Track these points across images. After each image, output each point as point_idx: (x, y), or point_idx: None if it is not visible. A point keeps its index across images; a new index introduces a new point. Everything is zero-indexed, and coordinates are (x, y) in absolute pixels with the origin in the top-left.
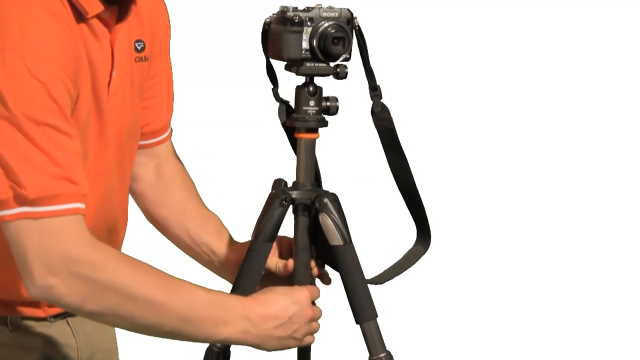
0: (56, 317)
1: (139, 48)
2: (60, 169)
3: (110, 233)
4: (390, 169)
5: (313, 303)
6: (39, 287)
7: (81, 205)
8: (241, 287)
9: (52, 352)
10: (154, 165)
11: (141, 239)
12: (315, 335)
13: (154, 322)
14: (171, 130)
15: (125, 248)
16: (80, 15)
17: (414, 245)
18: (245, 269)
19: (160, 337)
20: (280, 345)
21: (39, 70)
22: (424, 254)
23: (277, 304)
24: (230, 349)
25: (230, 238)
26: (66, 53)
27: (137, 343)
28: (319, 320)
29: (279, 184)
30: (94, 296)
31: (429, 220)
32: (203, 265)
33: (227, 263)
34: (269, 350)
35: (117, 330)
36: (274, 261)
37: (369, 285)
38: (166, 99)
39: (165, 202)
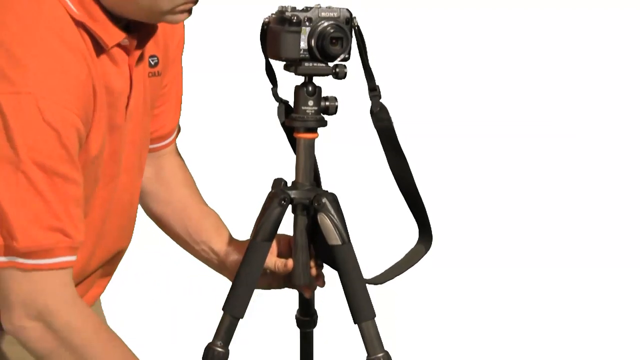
0: None
1: (152, 63)
2: (57, 220)
3: (119, 251)
4: (390, 168)
5: None
6: (14, 325)
7: (71, 258)
8: (240, 286)
9: None
10: (155, 162)
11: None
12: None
13: None
14: (179, 130)
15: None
16: (99, 46)
17: (415, 245)
18: (245, 268)
19: None
20: None
21: (53, 116)
22: (425, 253)
23: None
24: (229, 348)
25: (230, 236)
26: (80, 93)
27: (136, 343)
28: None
29: (278, 183)
30: (60, 353)
31: (429, 219)
32: (202, 262)
33: (227, 261)
34: None
35: (117, 330)
36: (273, 260)
37: (368, 285)
38: (174, 106)
39: (166, 198)
